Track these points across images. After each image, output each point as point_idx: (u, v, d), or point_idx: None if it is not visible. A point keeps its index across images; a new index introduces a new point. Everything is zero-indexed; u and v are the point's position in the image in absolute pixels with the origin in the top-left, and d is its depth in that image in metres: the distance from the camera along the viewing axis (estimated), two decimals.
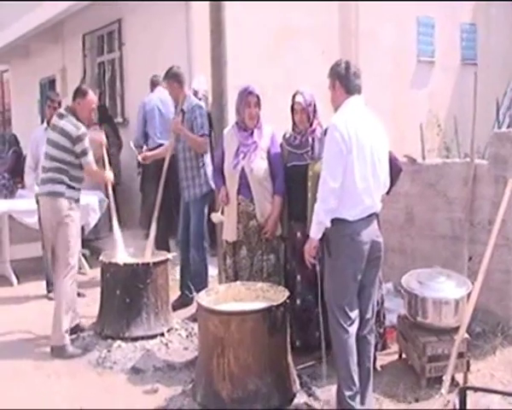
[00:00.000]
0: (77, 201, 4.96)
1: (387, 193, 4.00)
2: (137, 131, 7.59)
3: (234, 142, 4.56)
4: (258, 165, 4.48)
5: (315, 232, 3.54)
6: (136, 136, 7.59)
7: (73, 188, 4.91)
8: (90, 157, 4.90)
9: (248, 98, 4.50)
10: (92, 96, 5.07)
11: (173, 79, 5.55)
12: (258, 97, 4.53)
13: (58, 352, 4.75)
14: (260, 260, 4.49)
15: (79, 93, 5.01)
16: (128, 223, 9.08)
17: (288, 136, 4.58)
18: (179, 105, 5.52)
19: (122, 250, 5.26)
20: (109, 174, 5.26)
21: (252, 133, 4.55)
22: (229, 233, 4.58)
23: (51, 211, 4.87)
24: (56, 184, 4.84)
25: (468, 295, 4.03)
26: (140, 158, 5.93)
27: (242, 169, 4.47)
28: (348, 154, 3.43)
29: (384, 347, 4.48)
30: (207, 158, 5.60)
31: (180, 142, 5.54)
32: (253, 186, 4.47)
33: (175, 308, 5.50)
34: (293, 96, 4.45)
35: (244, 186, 4.49)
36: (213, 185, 5.55)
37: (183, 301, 5.66)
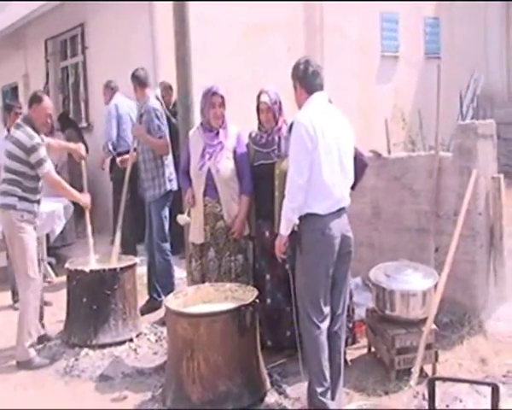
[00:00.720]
0: (31, 213, 4.79)
1: (353, 188, 4.01)
2: (109, 135, 7.44)
3: (199, 143, 4.52)
4: (225, 165, 4.45)
5: (284, 229, 3.55)
6: (107, 139, 7.45)
7: (27, 200, 4.76)
8: (48, 166, 4.76)
9: (213, 99, 4.46)
10: (47, 102, 4.96)
11: (134, 81, 5.62)
12: (222, 97, 4.49)
13: (24, 365, 4.66)
14: (228, 261, 4.46)
15: (35, 99, 4.91)
16: (96, 227, 8.98)
17: (254, 135, 4.56)
18: (139, 108, 5.53)
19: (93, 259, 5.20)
20: (86, 198, 5.13)
21: (217, 133, 4.51)
22: (195, 235, 4.53)
23: (4, 224, 4.81)
24: (8, 196, 4.72)
25: (435, 286, 4.06)
26: (119, 161, 5.87)
27: (208, 170, 4.43)
28: (314, 149, 3.44)
29: (354, 341, 4.48)
30: (167, 159, 5.59)
31: (139, 144, 5.56)
32: (220, 187, 4.44)
33: (143, 313, 5.44)
34: (258, 96, 4.43)
35: (210, 187, 4.45)
36: (172, 186, 5.55)
37: (152, 305, 5.59)
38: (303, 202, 3.46)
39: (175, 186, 5.56)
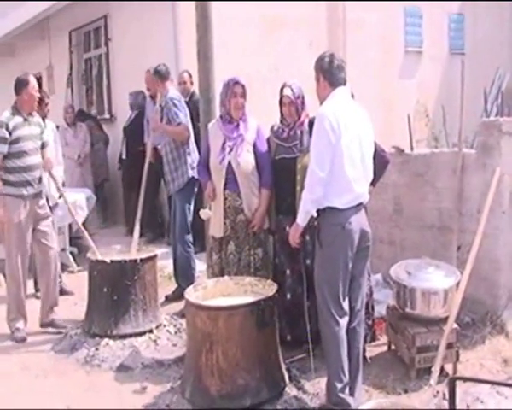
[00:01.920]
0: (17, 196, 4.93)
1: (373, 185, 4.00)
2: None
3: (219, 136, 4.50)
4: (245, 158, 4.43)
5: (301, 219, 3.56)
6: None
7: (10, 183, 4.93)
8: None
9: (234, 88, 4.43)
10: (34, 82, 5.07)
11: (156, 76, 5.67)
12: (243, 87, 4.47)
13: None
14: (248, 255, 4.45)
15: (22, 83, 5.03)
16: (115, 218, 9.10)
17: (275, 128, 4.52)
18: (158, 101, 5.56)
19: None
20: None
21: (237, 126, 4.48)
22: (216, 229, 4.52)
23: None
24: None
25: (457, 284, 4.02)
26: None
27: (229, 163, 4.41)
28: (337, 143, 3.43)
29: (373, 338, 4.45)
30: (190, 147, 5.60)
31: (163, 137, 5.61)
32: (240, 180, 4.42)
33: (169, 300, 5.60)
34: (281, 89, 4.40)
35: (231, 180, 4.43)
36: (195, 173, 5.55)
37: (179, 293, 5.57)
38: (322, 195, 3.45)
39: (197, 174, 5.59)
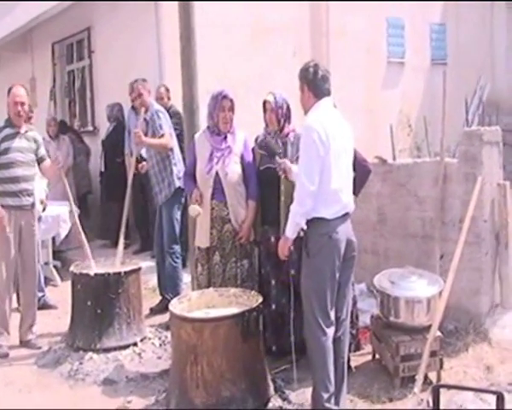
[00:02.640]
0: (5, 207, 4.91)
1: (356, 194, 4.02)
2: None
3: (206, 147, 4.49)
4: (233, 169, 4.44)
5: (290, 232, 3.55)
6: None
7: None
8: None
9: (223, 102, 4.44)
10: (16, 91, 5.01)
11: (139, 82, 5.65)
12: (232, 101, 4.48)
13: None
14: (234, 267, 4.45)
15: (7, 91, 5.03)
16: (96, 231, 9.04)
17: (260, 139, 4.55)
18: (142, 114, 5.53)
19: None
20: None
21: (225, 138, 4.49)
22: (202, 239, 4.51)
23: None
24: None
25: (440, 293, 4.05)
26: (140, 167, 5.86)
27: (216, 174, 4.42)
28: (326, 154, 3.44)
29: (358, 348, 4.47)
30: (175, 158, 5.61)
31: (147, 150, 5.62)
32: (228, 191, 4.42)
33: (154, 312, 5.59)
34: (267, 95, 4.43)
35: (218, 191, 4.44)
36: (181, 183, 5.54)
37: (163, 305, 5.57)
38: (312, 207, 3.46)
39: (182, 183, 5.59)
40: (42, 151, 5.21)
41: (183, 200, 5.64)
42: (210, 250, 4.48)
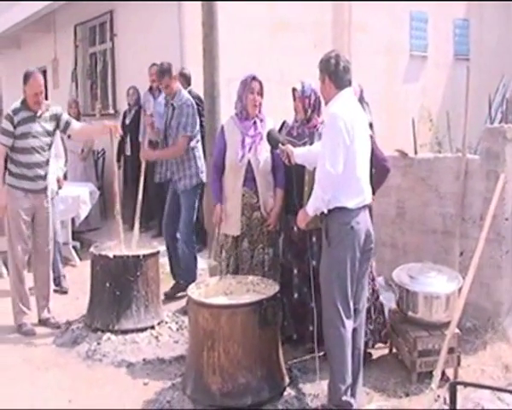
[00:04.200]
0: (18, 188, 4.96)
1: (373, 193, 4.02)
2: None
3: (236, 133, 4.43)
4: (265, 158, 4.41)
5: (311, 210, 3.57)
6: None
7: (12, 173, 4.97)
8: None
9: (252, 84, 4.40)
10: (35, 81, 4.95)
11: (167, 75, 5.46)
12: (261, 84, 4.43)
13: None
14: (261, 254, 4.44)
15: (26, 77, 4.96)
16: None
17: (288, 126, 4.50)
18: (169, 99, 5.49)
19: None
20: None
21: (255, 123, 4.44)
22: (232, 228, 4.46)
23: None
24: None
25: (459, 290, 4.03)
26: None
27: (248, 162, 4.38)
28: (351, 144, 3.44)
29: (385, 341, 4.42)
30: (198, 151, 5.58)
31: (169, 138, 5.49)
32: (259, 179, 4.39)
33: (168, 297, 5.58)
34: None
35: (249, 179, 4.40)
36: (203, 178, 5.54)
37: (178, 288, 5.65)
38: (333, 196, 3.46)
39: (205, 178, 5.58)
40: (64, 117, 5.17)
41: (200, 191, 5.65)
42: (239, 237, 4.45)
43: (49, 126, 5.07)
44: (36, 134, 4.99)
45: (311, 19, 8.86)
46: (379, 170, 4.17)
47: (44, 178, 5.08)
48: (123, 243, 5.16)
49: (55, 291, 5.80)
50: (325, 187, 3.45)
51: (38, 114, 5.02)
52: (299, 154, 3.94)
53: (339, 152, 3.42)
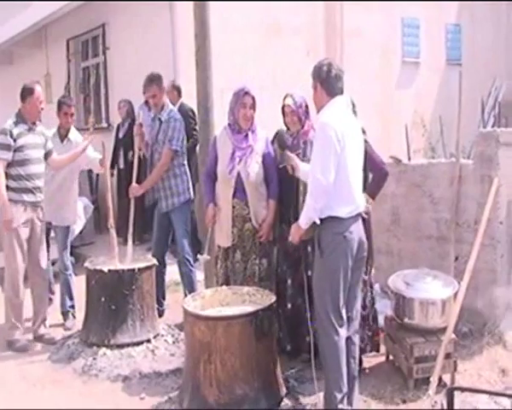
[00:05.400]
0: (17, 202, 4.94)
1: (373, 198, 4.02)
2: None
3: (227, 145, 4.45)
4: (255, 170, 4.40)
5: (303, 222, 3.55)
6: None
7: (11, 188, 4.95)
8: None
9: (244, 99, 4.39)
10: (39, 92, 5.03)
11: (159, 83, 5.40)
12: (253, 99, 4.43)
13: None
14: (254, 264, 4.44)
15: (27, 91, 5.01)
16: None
17: (279, 137, 4.49)
18: (154, 111, 5.43)
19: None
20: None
21: (246, 136, 4.45)
22: (223, 239, 4.48)
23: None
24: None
25: (455, 295, 4.03)
26: None
27: (238, 174, 4.39)
28: (341, 152, 3.44)
29: (377, 349, 4.42)
30: (185, 168, 5.49)
31: (156, 153, 5.39)
32: (249, 191, 4.39)
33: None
34: (284, 99, 4.39)
35: (239, 190, 4.40)
36: (191, 194, 5.48)
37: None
38: (325, 204, 3.46)
39: (192, 194, 5.53)
40: (49, 145, 5.23)
41: (190, 207, 5.58)
42: (230, 248, 4.46)
43: (41, 140, 5.12)
44: (35, 145, 5.03)
45: (303, 25, 8.90)
46: (377, 174, 4.17)
47: (41, 190, 5.10)
48: (117, 257, 5.14)
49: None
50: (316, 196, 3.45)
51: (33, 128, 5.06)
52: (304, 171, 3.88)
53: (329, 161, 3.42)
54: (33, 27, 10.90)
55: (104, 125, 9.93)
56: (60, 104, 5.57)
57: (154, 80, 5.38)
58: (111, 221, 5.25)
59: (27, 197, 4.99)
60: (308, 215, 3.51)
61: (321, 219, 3.51)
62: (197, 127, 6.06)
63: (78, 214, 7.05)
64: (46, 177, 5.23)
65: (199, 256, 4.60)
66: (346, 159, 3.47)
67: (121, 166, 8.39)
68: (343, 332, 3.55)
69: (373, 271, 4.26)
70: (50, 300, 5.85)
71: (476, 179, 4.84)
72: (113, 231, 5.23)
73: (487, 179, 4.70)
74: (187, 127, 5.85)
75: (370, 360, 4.39)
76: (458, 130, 5.23)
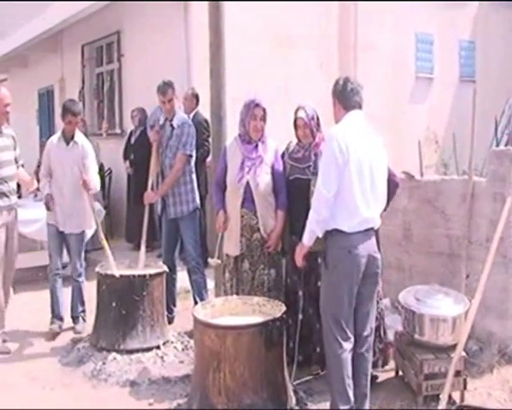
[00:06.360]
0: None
1: (384, 209, 4.01)
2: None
3: (237, 155, 4.49)
4: (264, 180, 4.43)
5: (306, 239, 3.58)
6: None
7: None
8: None
9: (255, 111, 4.43)
10: (4, 93, 4.97)
11: (172, 87, 5.40)
12: (264, 110, 4.47)
13: None
14: (262, 275, 4.45)
15: None
16: (120, 233, 9.11)
17: (291, 148, 4.55)
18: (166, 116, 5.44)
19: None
20: None
21: (256, 146, 4.48)
22: (231, 247, 4.51)
23: None
24: None
25: (466, 312, 4.02)
26: None
27: (247, 183, 4.42)
28: (344, 165, 3.45)
29: (385, 362, 4.42)
30: (194, 175, 5.52)
31: (166, 158, 5.40)
32: (258, 200, 4.42)
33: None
34: (295, 112, 4.43)
35: (248, 199, 4.43)
36: (198, 203, 5.50)
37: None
38: (328, 216, 3.47)
39: (199, 204, 5.56)
40: (18, 151, 5.21)
41: (199, 216, 5.60)
42: (239, 258, 4.48)
43: (10, 142, 5.10)
44: (3, 148, 5.00)
45: (316, 38, 8.95)
46: (388, 185, 4.17)
47: (14, 192, 5.11)
48: (114, 266, 5.14)
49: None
50: (318, 208, 3.48)
51: (2, 131, 5.02)
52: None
53: (331, 173, 3.45)
54: (49, 32, 10.99)
55: (117, 131, 9.99)
56: (64, 111, 5.30)
57: (170, 85, 5.42)
58: (101, 236, 5.33)
59: (2, 202, 4.97)
60: (311, 228, 3.53)
61: (328, 232, 3.52)
62: (210, 139, 6.07)
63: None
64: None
65: (209, 260, 4.64)
66: (351, 172, 3.46)
67: (130, 172, 8.44)
68: (347, 345, 3.54)
69: (380, 283, 4.25)
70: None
71: (489, 197, 4.83)
72: (105, 244, 5.29)
73: (500, 198, 4.69)
74: (198, 138, 5.89)
75: (380, 375, 4.37)
76: (472, 147, 5.22)
